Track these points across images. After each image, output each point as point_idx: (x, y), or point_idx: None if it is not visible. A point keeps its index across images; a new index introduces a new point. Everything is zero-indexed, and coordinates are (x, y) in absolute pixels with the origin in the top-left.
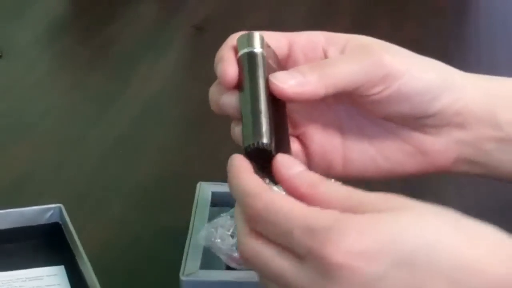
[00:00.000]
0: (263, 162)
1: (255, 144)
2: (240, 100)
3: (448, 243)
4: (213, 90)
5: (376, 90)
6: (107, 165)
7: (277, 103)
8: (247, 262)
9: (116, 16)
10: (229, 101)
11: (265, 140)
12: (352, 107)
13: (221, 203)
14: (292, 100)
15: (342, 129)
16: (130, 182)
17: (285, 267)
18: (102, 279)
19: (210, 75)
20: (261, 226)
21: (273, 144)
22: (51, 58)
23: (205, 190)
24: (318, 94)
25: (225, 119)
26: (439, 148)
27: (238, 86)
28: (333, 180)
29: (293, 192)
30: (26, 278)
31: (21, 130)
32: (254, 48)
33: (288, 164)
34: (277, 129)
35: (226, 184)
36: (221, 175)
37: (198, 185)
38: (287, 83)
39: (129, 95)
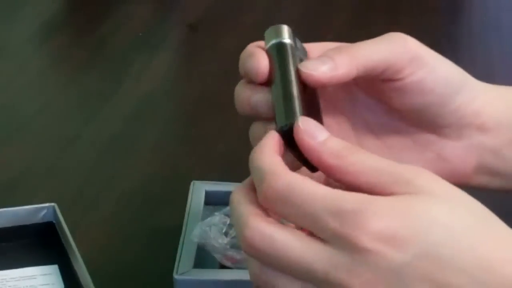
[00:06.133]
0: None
1: (288, 124)
2: (272, 91)
3: (476, 241)
4: (242, 90)
5: (403, 74)
6: (100, 164)
7: (308, 92)
8: (253, 248)
9: (110, 15)
10: (262, 97)
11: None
12: (370, 114)
13: (214, 201)
14: (325, 86)
15: (358, 137)
16: (124, 181)
17: (306, 250)
18: (95, 278)
19: (204, 74)
20: (279, 207)
21: None
22: (45, 57)
23: (199, 188)
24: (350, 76)
25: (219, 118)
26: (459, 153)
27: (269, 80)
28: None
29: (318, 163)
30: (19, 277)
31: (14, 129)
32: (283, 39)
33: (311, 131)
34: (310, 116)
35: (219, 183)
36: (215, 173)
37: (191, 184)
38: (319, 70)
39: (122, 94)
